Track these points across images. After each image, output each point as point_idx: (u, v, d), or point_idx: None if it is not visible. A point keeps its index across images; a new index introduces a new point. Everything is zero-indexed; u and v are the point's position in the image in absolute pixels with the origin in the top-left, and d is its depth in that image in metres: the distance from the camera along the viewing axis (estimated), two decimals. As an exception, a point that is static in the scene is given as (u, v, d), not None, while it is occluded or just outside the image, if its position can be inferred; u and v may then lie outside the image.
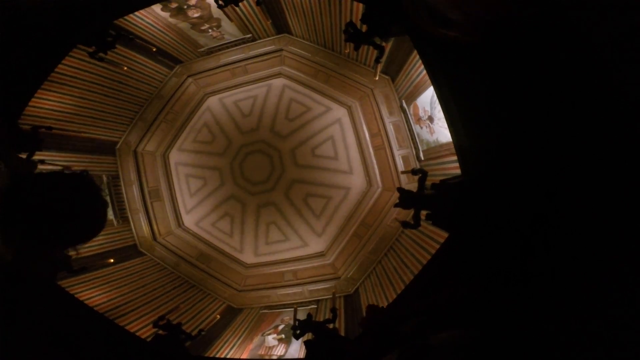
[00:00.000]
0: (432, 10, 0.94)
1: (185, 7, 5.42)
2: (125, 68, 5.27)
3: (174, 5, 5.32)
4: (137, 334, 4.15)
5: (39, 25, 2.76)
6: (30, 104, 3.34)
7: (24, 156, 3.21)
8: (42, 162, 4.12)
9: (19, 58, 2.81)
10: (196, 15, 5.63)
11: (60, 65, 3.91)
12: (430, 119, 4.99)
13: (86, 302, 3.72)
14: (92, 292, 5.01)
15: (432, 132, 5.06)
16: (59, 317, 2.92)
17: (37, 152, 3.47)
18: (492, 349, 1.21)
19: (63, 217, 1.33)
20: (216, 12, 5.57)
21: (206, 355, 5.02)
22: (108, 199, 6.41)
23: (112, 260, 5.53)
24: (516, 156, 2.17)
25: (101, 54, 3.69)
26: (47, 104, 4.94)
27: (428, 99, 4.93)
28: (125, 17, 4.94)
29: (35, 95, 3.40)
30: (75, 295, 3.24)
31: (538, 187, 2.11)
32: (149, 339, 3.73)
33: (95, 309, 3.56)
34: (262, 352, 5.30)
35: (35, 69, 3.06)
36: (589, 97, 1.77)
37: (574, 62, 1.67)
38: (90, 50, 3.66)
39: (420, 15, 1.02)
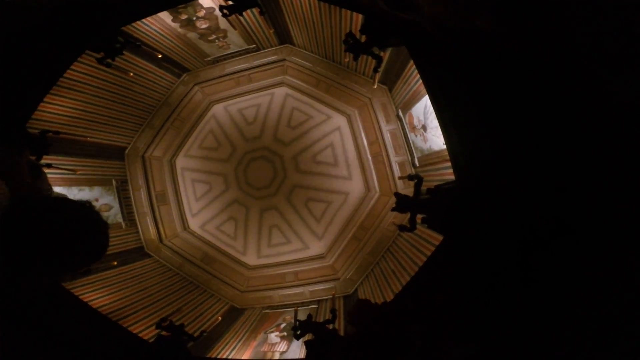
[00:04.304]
0: None
1: (194, 18, 5.45)
2: (132, 74, 5.23)
3: (184, 16, 5.34)
4: (140, 335, 4.07)
5: (49, 30, 2.72)
6: (38, 108, 3.28)
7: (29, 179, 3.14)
8: (50, 165, 4.09)
9: (28, 62, 2.77)
10: (204, 26, 5.64)
11: (68, 71, 3.87)
12: (424, 127, 4.96)
13: (90, 303, 3.65)
14: (96, 294, 4.90)
15: (425, 140, 5.02)
16: (63, 318, 2.85)
17: (45, 156, 3.43)
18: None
19: (60, 245, 1.21)
20: (223, 23, 5.57)
21: (208, 355, 4.93)
22: (112, 210, 6.40)
23: (115, 263, 5.45)
24: (507, 162, 2.13)
25: (109, 60, 3.65)
26: (56, 109, 4.87)
27: (422, 109, 4.90)
28: (135, 25, 4.92)
29: (44, 99, 3.35)
30: (79, 297, 3.17)
31: (529, 193, 2.06)
32: (151, 340, 3.65)
33: (99, 310, 3.50)
34: (265, 349, 5.25)
35: (44, 73, 3.00)
36: (579, 105, 1.72)
37: (564, 69, 1.61)
38: (99, 56, 3.61)
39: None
